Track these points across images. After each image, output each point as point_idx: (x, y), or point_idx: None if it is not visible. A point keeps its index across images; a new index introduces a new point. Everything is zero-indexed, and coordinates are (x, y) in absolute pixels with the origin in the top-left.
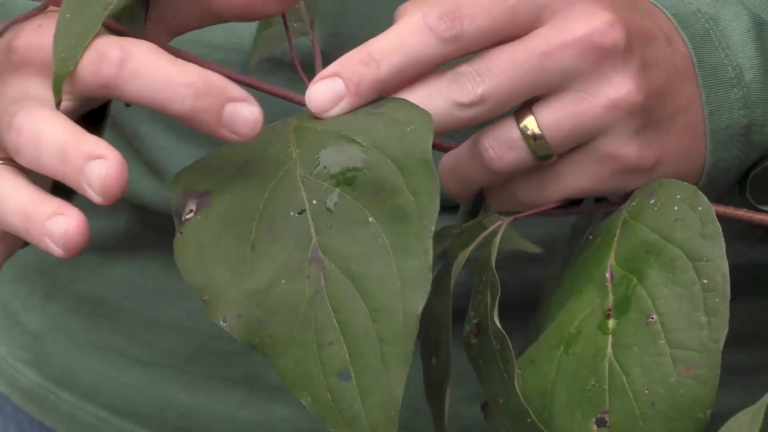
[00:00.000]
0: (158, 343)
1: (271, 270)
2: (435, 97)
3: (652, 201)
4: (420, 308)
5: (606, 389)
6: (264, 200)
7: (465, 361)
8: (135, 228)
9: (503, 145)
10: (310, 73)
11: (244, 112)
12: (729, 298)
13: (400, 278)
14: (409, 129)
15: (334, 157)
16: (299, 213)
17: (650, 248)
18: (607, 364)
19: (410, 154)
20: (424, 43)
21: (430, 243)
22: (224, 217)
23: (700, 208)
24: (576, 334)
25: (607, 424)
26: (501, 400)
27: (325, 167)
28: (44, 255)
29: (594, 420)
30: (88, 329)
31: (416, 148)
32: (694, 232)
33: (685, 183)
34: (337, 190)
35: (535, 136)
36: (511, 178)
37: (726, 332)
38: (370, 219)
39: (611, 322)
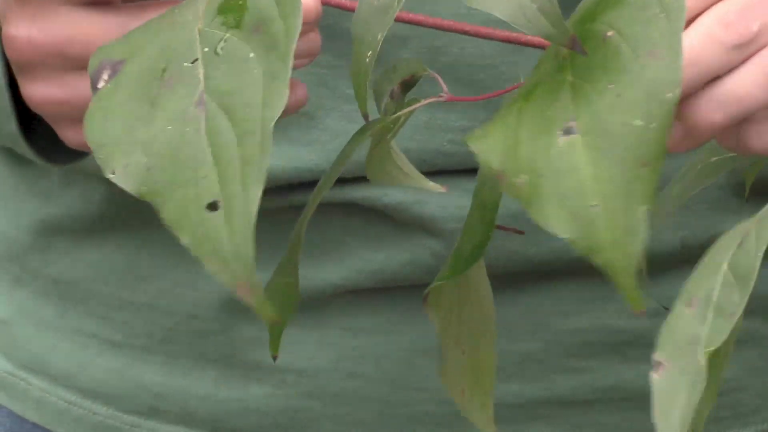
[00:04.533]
0: (132, 324)
1: (162, 120)
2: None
3: None
4: (271, 125)
5: (569, 101)
6: (167, 58)
7: None
8: (108, 208)
9: None
10: None
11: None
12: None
13: (264, 100)
14: None
15: (228, 4)
16: (192, 62)
17: None
18: (568, 87)
19: None
20: None
21: (290, 61)
22: (132, 81)
23: None
24: (534, 84)
25: (575, 131)
26: None
27: (220, 16)
28: (11, 240)
29: (559, 131)
30: (58, 313)
31: None
32: None
33: None
34: (227, 34)
35: None
36: None
37: (684, 22)
38: (251, 54)
39: (568, 60)
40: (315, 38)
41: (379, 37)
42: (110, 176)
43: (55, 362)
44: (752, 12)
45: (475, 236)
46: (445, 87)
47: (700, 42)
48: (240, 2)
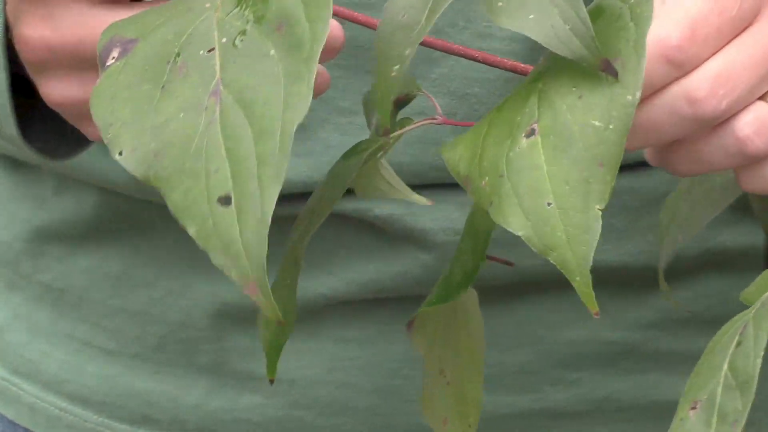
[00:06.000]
0: (124, 332)
1: (173, 106)
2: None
3: None
4: (294, 128)
5: (536, 107)
6: (180, 44)
7: None
8: (102, 215)
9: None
10: None
11: None
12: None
13: (284, 101)
14: None
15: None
16: (208, 51)
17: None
18: (537, 94)
19: None
20: None
21: (314, 66)
22: (143, 63)
23: None
24: (509, 96)
25: (536, 133)
26: None
27: (240, 9)
28: (5, 245)
29: (523, 134)
30: (51, 319)
31: None
32: None
33: None
34: (246, 27)
35: None
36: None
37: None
38: (272, 52)
39: (544, 69)
40: (324, 74)
41: (407, 52)
42: (117, 157)
43: (48, 368)
44: (722, 89)
45: (466, 264)
46: (439, 109)
47: (662, 114)
48: (263, 4)
